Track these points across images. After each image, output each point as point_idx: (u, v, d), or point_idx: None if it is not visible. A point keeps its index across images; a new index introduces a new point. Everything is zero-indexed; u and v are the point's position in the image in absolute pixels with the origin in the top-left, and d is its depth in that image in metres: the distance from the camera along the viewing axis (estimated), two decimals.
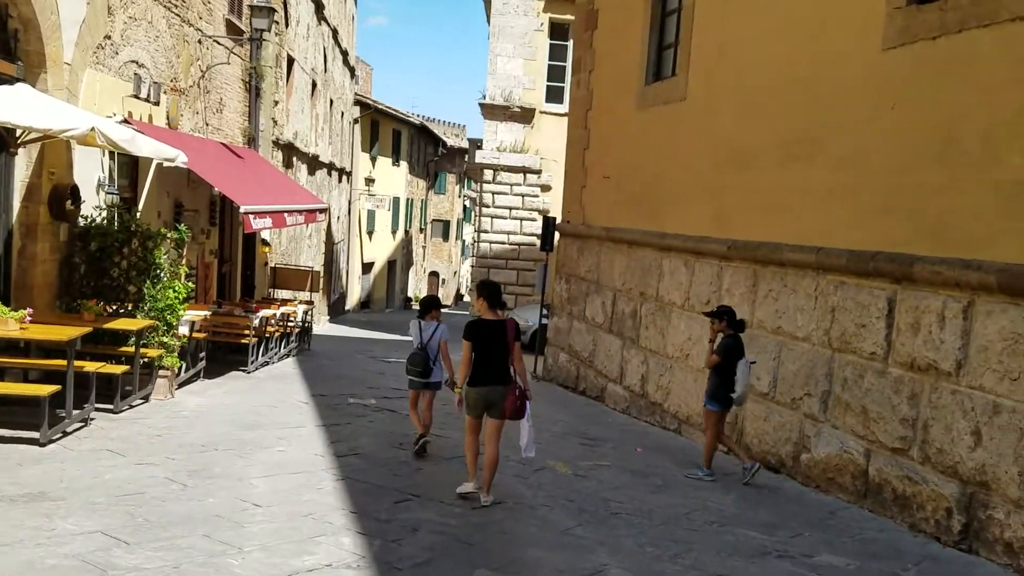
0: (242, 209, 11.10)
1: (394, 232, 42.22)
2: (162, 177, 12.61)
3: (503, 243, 22.58)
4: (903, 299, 6.34)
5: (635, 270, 11.45)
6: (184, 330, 10.70)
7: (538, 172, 22.39)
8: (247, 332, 13.14)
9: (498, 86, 22.21)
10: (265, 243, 17.82)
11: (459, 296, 60.65)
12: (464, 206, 61.40)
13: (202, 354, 11.70)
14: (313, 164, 23.49)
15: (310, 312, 17.39)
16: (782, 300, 7.88)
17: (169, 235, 10.09)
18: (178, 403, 9.78)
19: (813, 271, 7.42)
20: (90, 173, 10.25)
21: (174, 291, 9.91)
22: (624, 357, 11.61)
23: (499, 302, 6.58)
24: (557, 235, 15.38)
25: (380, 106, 36.99)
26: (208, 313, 11.52)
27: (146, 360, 9.58)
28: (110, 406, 8.71)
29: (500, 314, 6.54)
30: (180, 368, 10.41)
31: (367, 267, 38.44)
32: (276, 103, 18.36)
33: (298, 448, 7.95)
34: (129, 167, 11.94)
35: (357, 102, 34.30)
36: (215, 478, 6.58)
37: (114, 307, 9.80)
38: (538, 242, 22.39)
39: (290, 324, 15.77)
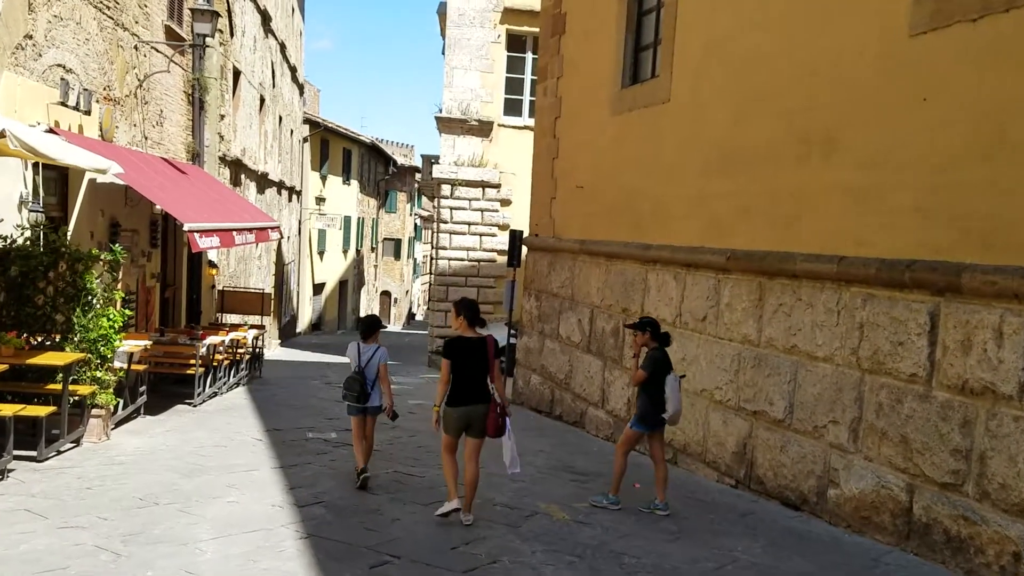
0: (186, 227, 10.05)
1: (345, 251, 41.07)
2: (96, 194, 11.50)
3: (462, 260, 21.66)
4: (949, 313, 5.58)
5: (615, 285, 10.64)
6: (120, 363, 9.60)
7: (497, 186, 21.56)
8: (192, 362, 12.03)
9: (455, 99, 21.35)
10: (212, 265, 16.67)
11: (411, 315, 59.57)
12: (415, 224, 60.49)
13: (142, 388, 10.57)
14: (262, 182, 22.36)
15: (261, 337, 16.26)
16: (796, 316, 7.09)
17: (102, 257, 9.00)
18: (114, 446, 8.67)
19: (833, 283, 6.64)
20: (9, 188, 9.13)
21: (108, 319, 8.82)
22: (606, 379, 10.77)
23: (478, 319, 6.49)
24: (524, 250, 14.53)
25: (330, 124, 35.94)
26: (148, 343, 10.39)
27: (76, 399, 8.46)
28: (33, 453, 7.59)
29: (478, 332, 6.44)
30: (116, 406, 9.29)
31: (318, 288, 37.21)
32: (222, 117, 17.27)
33: (252, 497, 6.92)
34: (58, 182, 10.81)
35: (306, 120, 33.23)
36: (155, 543, 5.53)
37: (39, 339, 8.68)
38: (499, 258, 21.67)
39: (239, 351, 14.65)
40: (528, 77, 21.55)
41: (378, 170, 48.13)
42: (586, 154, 11.87)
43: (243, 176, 19.61)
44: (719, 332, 8.35)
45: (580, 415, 11.49)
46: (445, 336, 22.45)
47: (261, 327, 16.60)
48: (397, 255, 56.67)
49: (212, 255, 16.94)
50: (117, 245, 9.03)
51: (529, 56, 21.46)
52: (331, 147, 37.41)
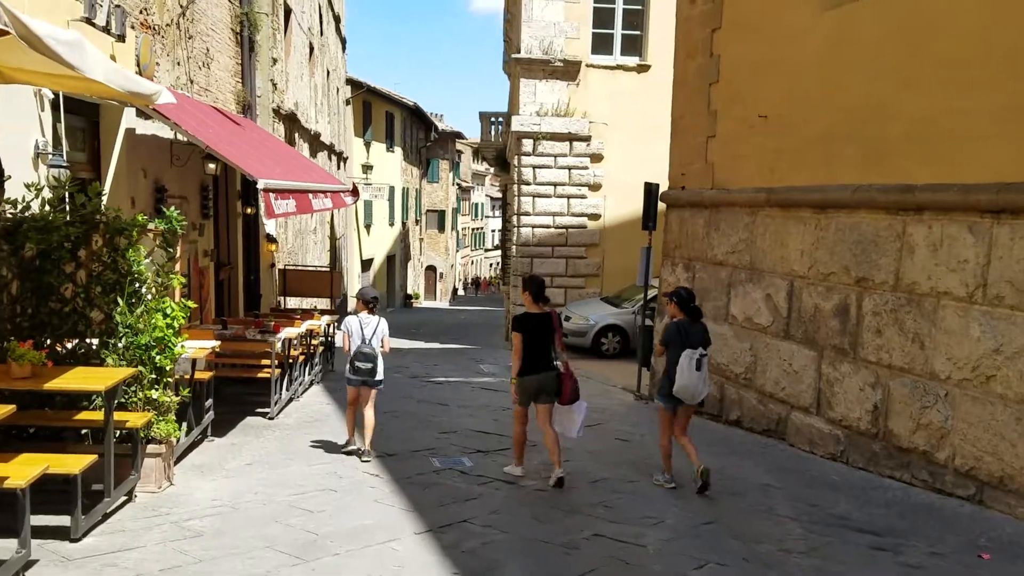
0: (260, 185, 7.33)
1: (391, 224, 38.45)
2: (136, 149, 8.86)
3: (548, 227, 18.84)
4: None
5: (838, 246, 7.81)
6: (182, 371, 6.98)
7: (587, 139, 18.66)
8: (266, 362, 9.41)
9: (534, 36, 18.42)
10: (271, 240, 14.03)
11: (455, 292, 57.00)
12: (456, 195, 57.68)
13: (208, 402, 7.96)
14: (315, 144, 19.66)
15: (332, 324, 13.60)
16: None
17: (154, 225, 6.34)
18: (181, 498, 6.05)
19: None
20: (19, 134, 6.48)
21: (166, 315, 6.17)
22: (825, 375, 7.97)
23: (543, 296, 6.87)
24: (662, 207, 11.68)
25: (373, 86, 33.05)
26: (216, 344, 7.74)
27: (125, 430, 5.85)
28: (65, 523, 4.99)
29: (543, 307, 6.84)
30: (179, 437, 6.67)
31: (366, 264, 34.63)
32: (275, 62, 14.53)
33: None
34: (86, 132, 8.20)
35: (348, 81, 30.38)
36: None
37: (67, 346, 6.06)
38: (590, 223, 18.86)
39: (314, 343, 12.04)
40: (620, 6, 18.57)
41: (419, 136, 45.38)
42: (772, 72, 8.98)
43: (297, 135, 16.90)
44: None
45: (776, 422, 8.71)
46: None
47: (334, 311, 13.94)
48: (441, 227, 54.04)
49: (270, 227, 14.29)
50: (173, 209, 6.34)
51: None
52: (374, 110, 34.65)
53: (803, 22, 8.43)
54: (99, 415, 5.62)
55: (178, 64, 10.42)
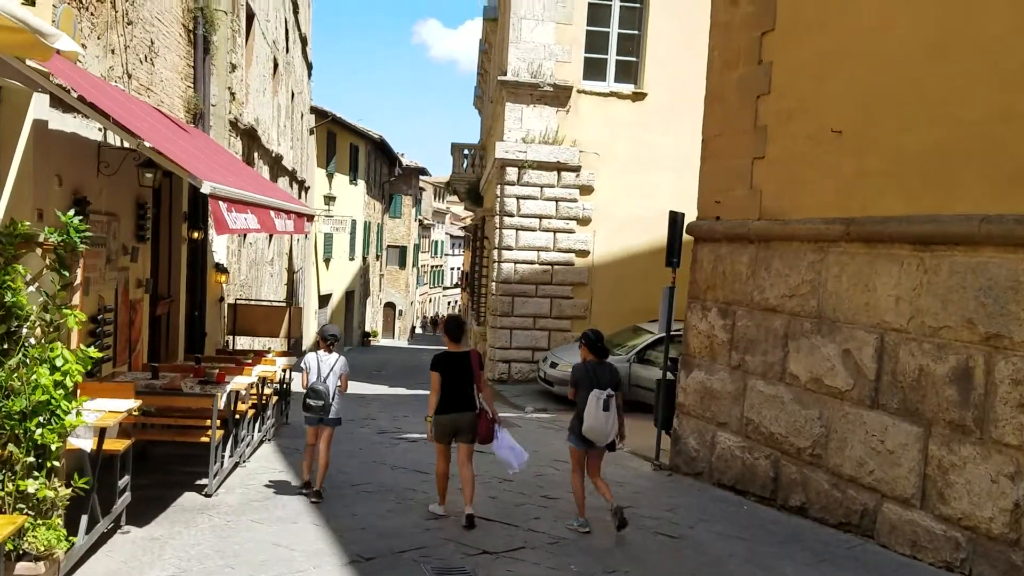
0: (206, 188, 5.38)
1: (351, 259, 36.40)
2: (49, 148, 6.83)
3: (531, 263, 17.03)
4: None
5: (955, 292, 6.09)
6: (83, 443, 4.95)
7: (576, 169, 16.96)
8: (207, 423, 7.39)
9: (523, 59, 16.77)
10: (221, 269, 11.98)
11: (413, 330, 55.00)
12: (418, 232, 55.86)
13: (123, 480, 5.91)
14: (276, 167, 17.71)
15: (289, 370, 11.55)
16: None
17: (44, 237, 4.36)
18: None
19: None
20: None
21: (55, 368, 4.18)
22: (936, 458, 6.19)
23: (459, 337, 6.99)
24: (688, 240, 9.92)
25: (339, 117, 31.20)
26: (135, 404, 5.70)
27: None
28: None
29: (461, 346, 6.97)
30: (71, 546, 4.62)
31: (324, 299, 32.47)
32: (233, 68, 12.62)
33: None
34: None
35: (313, 109, 28.50)
36: None
37: None
38: (578, 261, 17.11)
39: (266, 392, 10.01)
40: (615, 30, 17.05)
41: (383, 171, 43.60)
42: (847, 77, 7.32)
43: (256, 155, 14.95)
44: None
45: (859, 515, 6.88)
46: (508, 360, 17.92)
47: (290, 353, 11.89)
48: (402, 264, 52.19)
49: (221, 255, 12.26)
50: (71, 214, 4.37)
51: (616, 3, 16.94)
52: (338, 141, 32.83)
53: (894, 10, 6.79)
54: None
55: (112, 52, 8.47)
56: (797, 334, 7.76)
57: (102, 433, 5.28)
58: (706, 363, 9.21)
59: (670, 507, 7.72)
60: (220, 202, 5.51)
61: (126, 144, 7.67)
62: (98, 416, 5.11)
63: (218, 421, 7.37)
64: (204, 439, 7.36)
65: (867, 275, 6.96)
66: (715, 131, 9.36)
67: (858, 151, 7.16)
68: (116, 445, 5.71)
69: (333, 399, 7.37)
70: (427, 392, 7.14)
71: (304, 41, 23.81)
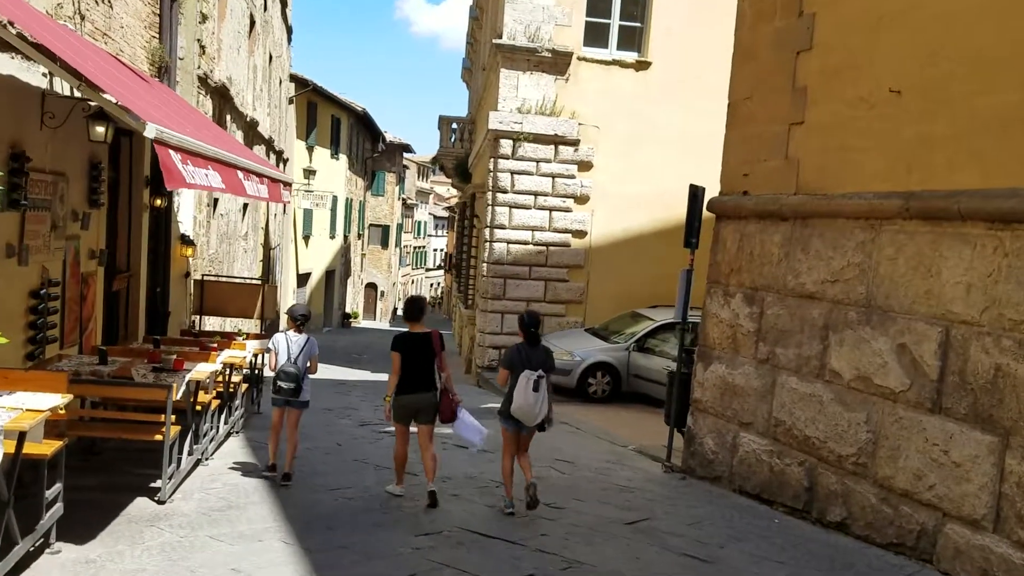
0: (150, 132, 4.30)
1: (332, 237, 35.18)
2: None
3: (525, 243, 15.99)
4: None
5: None
6: None
7: (575, 143, 15.91)
8: (162, 419, 6.33)
9: (519, 20, 15.66)
10: (187, 242, 10.87)
11: (395, 312, 53.86)
12: (401, 211, 54.63)
13: (54, 490, 4.87)
14: (251, 133, 16.53)
15: (262, 354, 10.46)
16: None
17: None
18: None
19: None
20: None
21: None
22: (1015, 474, 5.26)
23: (418, 317, 6.87)
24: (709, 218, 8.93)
25: (320, 87, 29.77)
26: (63, 401, 4.65)
27: None
28: None
29: (423, 327, 6.84)
30: None
31: (303, 278, 31.30)
32: (204, 18, 11.46)
33: None
34: None
35: (292, 78, 27.17)
36: None
37: None
38: (574, 241, 16.09)
39: (233, 380, 8.97)
40: None
41: (366, 146, 42.25)
42: (910, 28, 6.33)
43: (228, 117, 13.79)
44: None
45: (916, 535, 5.95)
46: (499, 346, 16.87)
47: (263, 336, 10.83)
48: (385, 243, 50.89)
49: (187, 227, 11.15)
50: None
51: None
52: (319, 113, 31.47)
53: None
54: None
55: None
56: (840, 325, 6.80)
57: (21, 436, 4.25)
58: (727, 355, 8.25)
59: (692, 520, 6.75)
60: (171, 151, 4.45)
61: (77, 93, 6.62)
62: (13, 416, 4.08)
63: (174, 415, 6.34)
64: (158, 437, 6.32)
65: (929, 258, 6.00)
66: (744, 93, 8.35)
67: (921, 115, 6.18)
68: (42, 449, 4.67)
69: (303, 381, 7.20)
70: None
71: (284, 2, 22.56)
